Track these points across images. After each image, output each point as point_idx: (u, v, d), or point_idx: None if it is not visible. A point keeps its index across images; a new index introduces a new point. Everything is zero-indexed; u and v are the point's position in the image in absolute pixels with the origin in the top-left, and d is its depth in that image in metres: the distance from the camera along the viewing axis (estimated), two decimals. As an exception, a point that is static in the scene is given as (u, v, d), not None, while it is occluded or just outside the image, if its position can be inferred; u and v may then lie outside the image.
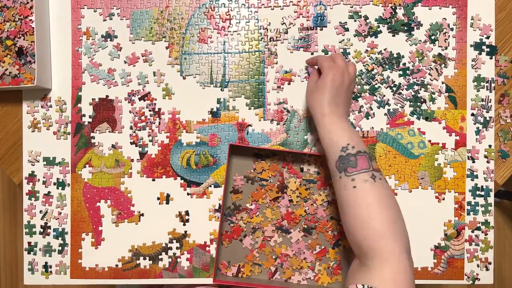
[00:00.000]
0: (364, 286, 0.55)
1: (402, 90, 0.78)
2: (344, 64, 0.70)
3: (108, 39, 0.80)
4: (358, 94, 0.79)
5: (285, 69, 0.79)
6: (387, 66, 0.79)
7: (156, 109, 0.79)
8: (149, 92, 0.79)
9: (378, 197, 0.60)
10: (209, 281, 0.78)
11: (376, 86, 0.79)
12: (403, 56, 0.79)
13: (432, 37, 0.79)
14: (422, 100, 0.78)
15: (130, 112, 0.79)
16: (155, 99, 0.79)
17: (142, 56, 0.79)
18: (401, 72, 0.78)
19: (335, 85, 0.67)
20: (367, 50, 0.79)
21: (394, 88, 0.78)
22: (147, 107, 0.79)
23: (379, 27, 0.79)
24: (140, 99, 0.79)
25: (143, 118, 0.79)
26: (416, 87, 0.78)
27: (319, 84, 0.68)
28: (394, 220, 0.59)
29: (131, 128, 0.79)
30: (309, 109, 0.70)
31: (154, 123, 0.79)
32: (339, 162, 0.63)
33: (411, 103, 0.78)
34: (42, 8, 0.77)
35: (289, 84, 0.79)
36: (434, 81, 0.78)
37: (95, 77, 0.80)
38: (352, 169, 0.61)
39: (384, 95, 0.79)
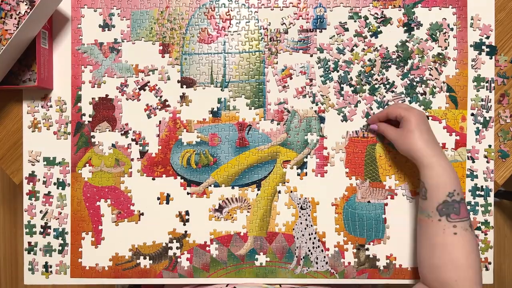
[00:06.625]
0: None
1: (399, 77, 0.78)
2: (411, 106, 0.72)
3: (109, 39, 0.80)
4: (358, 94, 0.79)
5: (281, 67, 0.79)
6: (385, 60, 0.78)
7: (162, 100, 0.79)
8: (149, 82, 0.79)
9: (475, 247, 0.65)
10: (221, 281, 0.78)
11: (376, 86, 0.79)
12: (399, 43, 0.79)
13: (433, 37, 0.79)
14: (421, 92, 0.78)
15: (129, 110, 0.79)
16: (157, 85, 0.79)
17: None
18: (399, 59, 0.78)
19: (426, 122, 0.70)
20: (364, 49, 0.79)
21: (391, 82, 0.78)
22: (156, 96, 0.79)
23: (379, 27, 0.79)
24: (140, 89, 0.79)
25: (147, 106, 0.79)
26: (414, 83, 0.78)
27: (411, 127, 0.68)
28: (481, 269, 0.66)
29: (130, 124, 0.79)
30: (410, 153, 0.69)
31: (158, 108, 0.79)
32: (443, 206, 0.65)
33: (408, 91, 0.78)
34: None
35: (291, 79, 0.79)
36: (435, 80, 0.78)
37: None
38: (455, 216, 0.65)
39: (384, 96, 0.79)
